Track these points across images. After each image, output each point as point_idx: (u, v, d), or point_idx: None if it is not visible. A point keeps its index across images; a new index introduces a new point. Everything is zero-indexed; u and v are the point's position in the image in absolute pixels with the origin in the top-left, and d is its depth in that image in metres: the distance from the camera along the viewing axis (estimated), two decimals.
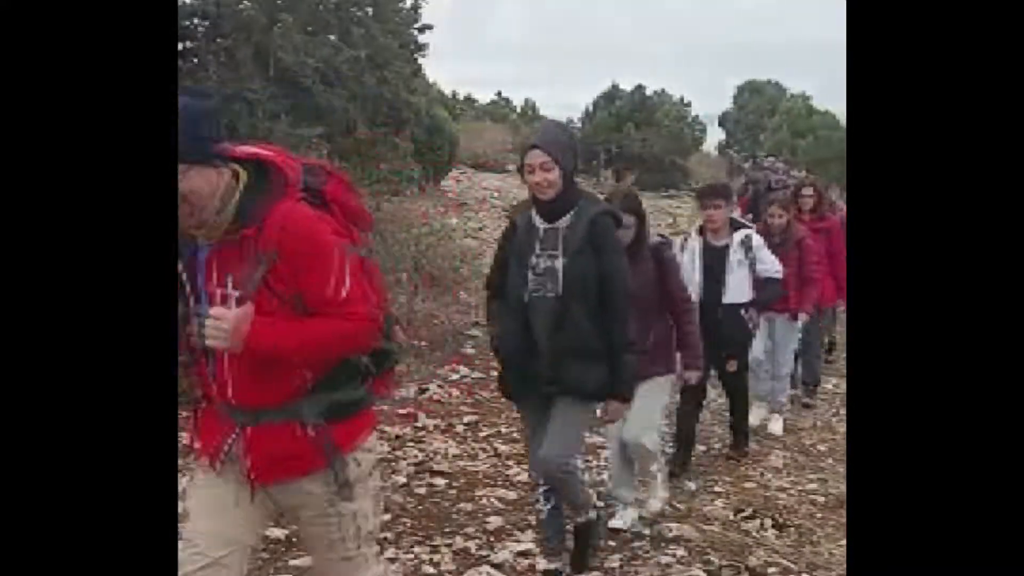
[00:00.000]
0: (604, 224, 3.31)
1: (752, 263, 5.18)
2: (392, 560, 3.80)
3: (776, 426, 6.25)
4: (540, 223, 3.36)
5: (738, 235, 5.23)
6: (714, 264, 5.18)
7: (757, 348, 5.90)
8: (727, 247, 5.19)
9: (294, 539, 3.82)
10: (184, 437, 2.51)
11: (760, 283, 5.24)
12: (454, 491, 4.61)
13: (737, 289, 5.15)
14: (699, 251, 5.23)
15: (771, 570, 3.92)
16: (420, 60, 11.70)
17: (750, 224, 5.20)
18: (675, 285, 4.18)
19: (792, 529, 4.41)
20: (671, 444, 5.31)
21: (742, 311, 5.18)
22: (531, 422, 3.59)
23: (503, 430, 5.70)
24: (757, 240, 5.28)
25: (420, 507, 4.39)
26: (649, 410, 4.19)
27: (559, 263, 3.28)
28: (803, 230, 6.16)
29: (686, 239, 5.33)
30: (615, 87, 27.95)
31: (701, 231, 5.30)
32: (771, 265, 5.27)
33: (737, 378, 5.50)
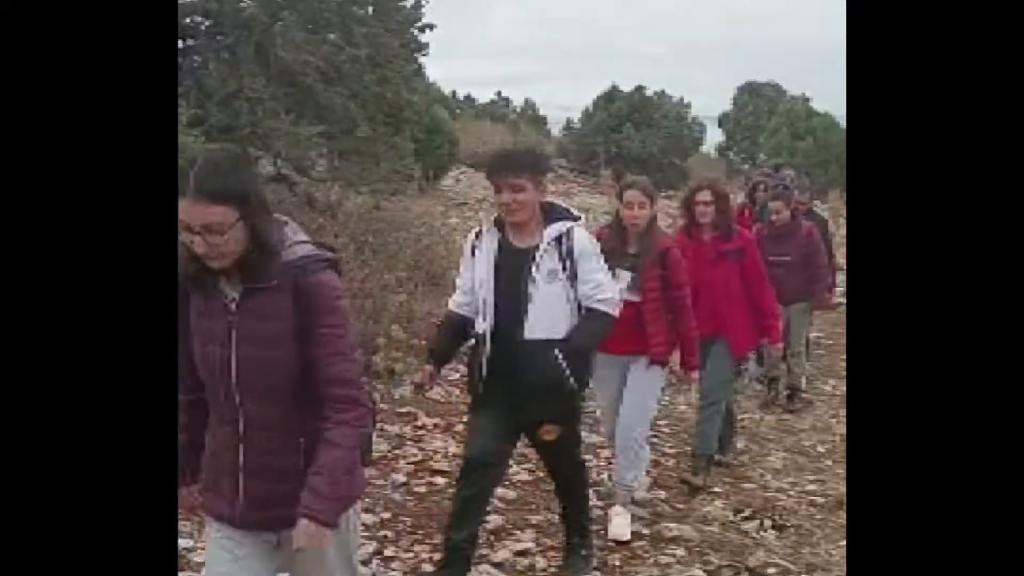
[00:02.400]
0: None
1: (573, 276, 3.33)
2: (391, 558, 3.81)
3: (618, 525, 4.14)
4: None
5: (552, 231, 3.33)
6: (513, 275, 3.32)
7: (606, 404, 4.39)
8: (534, 250, 3.31)
9: None
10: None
11: (584, 313, 3.38)
12: (454, 490, 4.61)
13: (545, 315, 3.30)
14: (493, 254, 3.38)
15: (770, 571, 3.92)
16: (420, 59, 11.70)
17: (576, 213, 3.46)
18: (324, 338, 2.12)
19: (791, 530, 4.42)
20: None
21: (555, 352, 3.29)
22: None
23: None
24: (583, 241, 3.37)
25: (420, 506, 4.39)
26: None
27: None
28: (669, 239, 4.34)
29: (478, 235, 3.48)
30: (614, 87, 27.89)
31: (499, 224, 3.42)
32: (599, 287, 3.36)
33: (561, 454, 3.60)
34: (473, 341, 3.50)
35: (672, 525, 4.33)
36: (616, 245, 4.01)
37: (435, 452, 5.16)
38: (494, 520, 4.24)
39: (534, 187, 3.29)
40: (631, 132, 25.86)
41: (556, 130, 32.06)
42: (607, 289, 3.40)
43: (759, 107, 32.52)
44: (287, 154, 9.04)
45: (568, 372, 3.32)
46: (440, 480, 4.71)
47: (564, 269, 3.32)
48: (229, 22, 8.68)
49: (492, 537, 4.09)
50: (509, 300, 3.33)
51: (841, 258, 10.56)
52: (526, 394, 3.33)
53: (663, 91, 29.92)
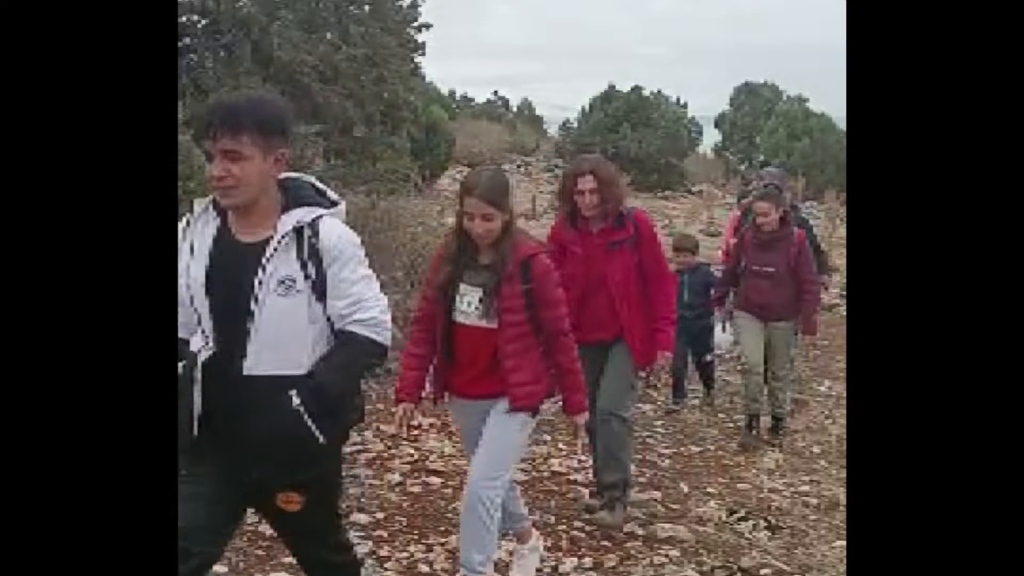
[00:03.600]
0: None
1: (320, 287, 2.36)
2: (386, 558, 3.81)
3: None
4: None
5: (290, 220, 2.34)
6: (232, 283, 2.35)
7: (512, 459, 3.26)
8: (263, 248, 2.33)
9: None
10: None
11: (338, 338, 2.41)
12: (449, 490, 4.61)
13: (276, 341, 2.34)
14: (207, 249, 2.38)
15: (764, 571, 3.93)
16: (417, 59, 11.72)
17: (334, 197, 2.50)
18: None
19: (785, 530, 4.43)
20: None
21: (290, 394, 2.32)
22: None
23: None
24: (336, 237, 2.38)
25: (415, 505, 4.39)
26: None
27: None
28: (534, 244, 3.25)
29: (190, 222, 2.41)
30: (612, 87, 27.96)
31: (216, 206, 2.40)
32: (359, 303, 2.38)
33: (311, 532, 2.57)
34: (186, 363, 2.41)
35: (666, 525, 4.34)
36: (462, 255, 3.13)
37: (431, 452, 5.16)
38: None
39: (262, 156, 2.29)
40: (628, 132, 25.92)
41: (553, 130, 32.13)
42: (370, 305, 2.40)
43: (756, 107, 32.64)
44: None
45: (311, 422, 2.34)
46: (435, 480, 4.72)
47: (306, 276, 2.34)
48: (227, 21, 8.70)
49: None
50: (226, 318, 2.35)
51: (840, 258, 10.59)
52: (252, 450, 2.36)
53: (660, 91, 30.03)
